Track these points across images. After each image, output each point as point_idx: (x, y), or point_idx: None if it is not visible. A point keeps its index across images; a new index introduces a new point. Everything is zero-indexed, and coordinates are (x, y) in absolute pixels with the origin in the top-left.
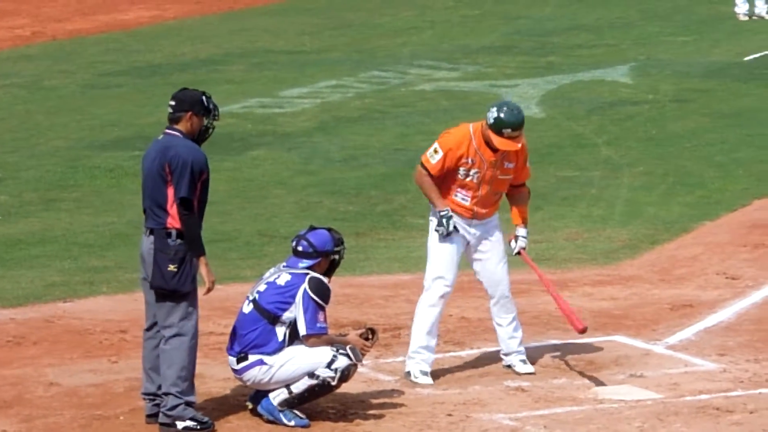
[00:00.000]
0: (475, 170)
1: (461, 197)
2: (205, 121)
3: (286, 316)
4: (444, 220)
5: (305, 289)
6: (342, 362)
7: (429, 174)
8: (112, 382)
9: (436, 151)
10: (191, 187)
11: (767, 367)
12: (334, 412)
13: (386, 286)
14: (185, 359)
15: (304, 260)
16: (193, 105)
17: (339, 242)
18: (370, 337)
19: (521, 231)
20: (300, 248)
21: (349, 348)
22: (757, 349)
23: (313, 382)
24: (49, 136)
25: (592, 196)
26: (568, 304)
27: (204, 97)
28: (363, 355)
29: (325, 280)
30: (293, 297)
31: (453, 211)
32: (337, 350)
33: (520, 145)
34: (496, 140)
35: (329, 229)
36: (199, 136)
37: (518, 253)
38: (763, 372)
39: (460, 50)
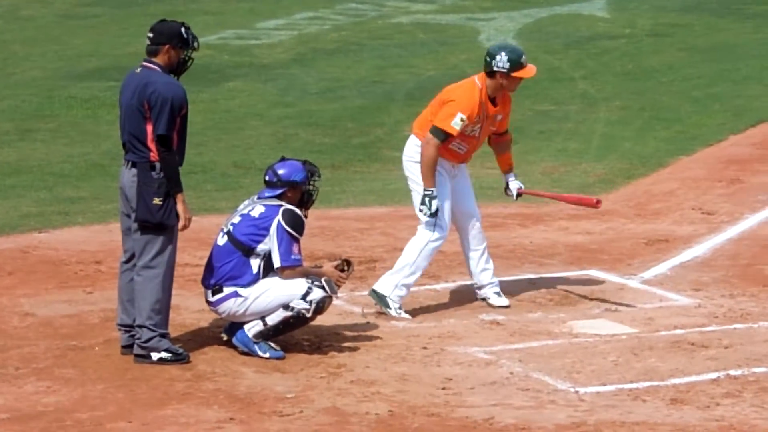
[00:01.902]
0: (479, 126)
1: (457, 147)
2: (183, 54)
3: (261, 248)
4: (427, 200)
5: (279, 221)
6: (317, 294)
7: (442, 143)
8: (86, 312)
9: (462, 120)
10: (170, 124)
11: (742, 303)
12: (308, 344)
13: (362, 218)
14: (159, 292)
15: (270, 189)
16: (171, 38)
17: (310, 174)
18: (346, 268)
19: (511, 177)
20: (266, 178)
21: (324, 280)
22: (731, 284)
23: (288, 314)
24: (25, 66)
25: (569, 130)
26: (573, 196)
27: (183, 29)
28: (338, 287)
29: (299, 211)
30: (267, 229)
31: (443, 157)
32: (312, 282)
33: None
34: (524, 74)
35: (304, 161)
36: (178, 68)
37: (519, 195)
38: (738, 307)
39: None
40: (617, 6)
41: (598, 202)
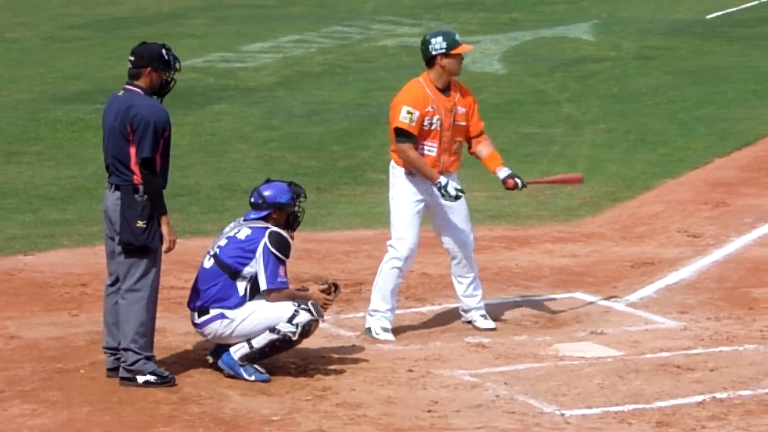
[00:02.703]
0: (437, 117)
1: (427, 149)
2: (165, 75)
3: (247, 270)
4: (442, 191)
5: (265, 243)
6: (303, 317)
7: (411, 142)
8: (72, 335)
9: (409, 113)
10: (154, 147)
11: (727, 325)
12: (294, 367)
13: (348, 241)
14: (144, 315)
15: (256, 211)
16: (152, 60)
17: (296, 195)
18: (333, 291)
19: (505, 171)
20: (252, 200)
21: (311, 303)
22: (717, 307)
23: (274, 336)
24: (11, 88)
25: (554, 153)
26: (557, 177)
27: (163, 51)
28: (324, 310)
29: (285, 234)
30: (254, 251)
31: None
32: (299, 305)
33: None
34: (461, 49)
35: (290, 183)
36: (161, 90)
37: (523, 185)
38: (724, 330)
39: (423, 5)
40: (602, 29)
41: (581, 178)
